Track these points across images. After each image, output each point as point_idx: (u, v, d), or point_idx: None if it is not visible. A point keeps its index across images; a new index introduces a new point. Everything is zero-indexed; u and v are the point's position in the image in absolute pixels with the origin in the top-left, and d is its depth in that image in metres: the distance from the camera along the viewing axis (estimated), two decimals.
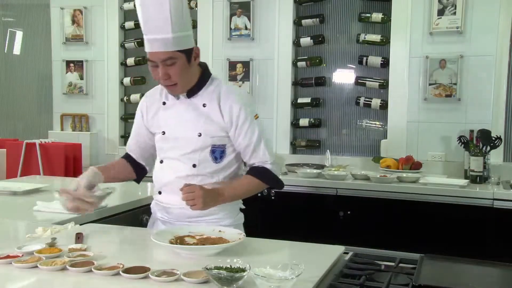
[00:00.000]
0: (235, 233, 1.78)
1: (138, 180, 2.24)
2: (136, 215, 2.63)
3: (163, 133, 2.06)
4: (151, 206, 2.20)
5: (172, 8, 1.82)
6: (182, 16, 1.87)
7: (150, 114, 2.10)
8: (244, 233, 1.78)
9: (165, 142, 2.06)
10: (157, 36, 1.85)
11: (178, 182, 1.97)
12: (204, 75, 2.03)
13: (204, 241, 1.73)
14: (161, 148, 2.09)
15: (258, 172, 2.06)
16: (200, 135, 1.99)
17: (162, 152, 2.09)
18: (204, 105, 2.00)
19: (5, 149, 4.47)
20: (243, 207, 2.18)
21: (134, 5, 4.63)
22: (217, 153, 2.02)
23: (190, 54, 1.92)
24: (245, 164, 2.13)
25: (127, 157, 2.20)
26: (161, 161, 2.09)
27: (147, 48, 1.90)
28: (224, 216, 2.06)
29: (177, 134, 2.03)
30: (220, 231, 1.81)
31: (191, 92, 2.01)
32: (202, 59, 2.05)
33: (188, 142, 2.00)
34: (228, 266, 1.38)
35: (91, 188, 1.90)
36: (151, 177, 2.19)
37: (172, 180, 2.02)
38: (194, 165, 2.00)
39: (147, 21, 1.86)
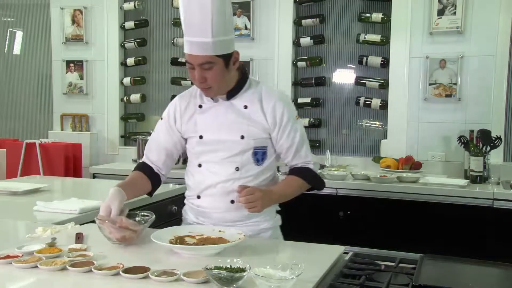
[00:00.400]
0: (235, 233, 1.77)
1: (151, 193, 2.15)
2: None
3: (201, 137, 1.99)
4: (183, 210, 2.13)
5: (214, 11, 1.75)
6: (225, 20, 1.80)
7: (185, 118, 2.02)
8: (243, 235, 1.77)
9: (203, 146, 1.99)
10: (197, 39, 1.78)
11: (220, 186, 1.95)
12: (243, 78, 1.98)
13: (204, 241, 1.73)
14: (198, 152, 2.01)
15: (301, 172, 2.05)
16: (243, 137, 1.94)
17: (200, 156, 2.00)
18: (245, 107, 1.96)
19: (5, 149, 4.47)
20: (279, 209, 2.14)
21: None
22: (259, 155, 1.98)
23: (229, 58, 1.86)
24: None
25: (144, 169, 2.09)
26: (200, 165, 2.01)
27: (186, 49, 1.83)
28: (262, 219, 2.02)
29: (217, 137, 1.96)
30: (220, 231, 1.81)
31: (231, 94, 1.96)
32: None
33: (230, 145, 1.95)
34: (228, 266, 1.38)
35: (122, 212, 1.81)
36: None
37: (214, 184, 1.97)
38: (237, 168, 1.95)
39: (188, 22, 1.79)
